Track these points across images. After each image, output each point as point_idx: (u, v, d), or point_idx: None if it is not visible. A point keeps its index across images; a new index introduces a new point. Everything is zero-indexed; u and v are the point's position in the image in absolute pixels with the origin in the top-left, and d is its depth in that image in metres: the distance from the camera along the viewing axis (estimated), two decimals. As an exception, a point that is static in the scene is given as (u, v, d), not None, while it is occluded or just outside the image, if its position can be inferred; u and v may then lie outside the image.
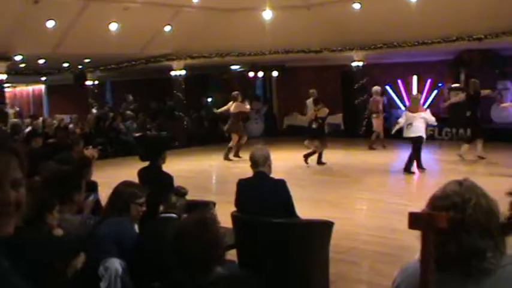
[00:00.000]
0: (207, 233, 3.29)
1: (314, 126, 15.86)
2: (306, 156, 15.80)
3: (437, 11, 17.59)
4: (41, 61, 21.48)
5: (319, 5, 19.20)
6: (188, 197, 6.63)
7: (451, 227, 2.08)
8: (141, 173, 7.43)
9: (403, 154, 17.83)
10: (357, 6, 18.43)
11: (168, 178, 7.00)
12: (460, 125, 19.77)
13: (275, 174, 6.01)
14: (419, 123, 13.63)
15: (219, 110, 19.08)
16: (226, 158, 17.81)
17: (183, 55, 21.66)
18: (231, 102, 18.23)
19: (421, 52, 20.53)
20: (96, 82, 25.76)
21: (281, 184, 5.81)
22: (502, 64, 20.81)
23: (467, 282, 2.16)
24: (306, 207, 9.43)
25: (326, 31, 19.98)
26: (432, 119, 13.90)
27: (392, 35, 19.49)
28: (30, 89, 30.95)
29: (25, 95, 31.41)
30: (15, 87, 30.14)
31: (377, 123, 19.28)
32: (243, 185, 5.96)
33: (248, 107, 19.00)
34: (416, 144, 13.73)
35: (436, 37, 19.01)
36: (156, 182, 6.60)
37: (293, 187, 9.76)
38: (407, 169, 13.99)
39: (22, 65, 22.02)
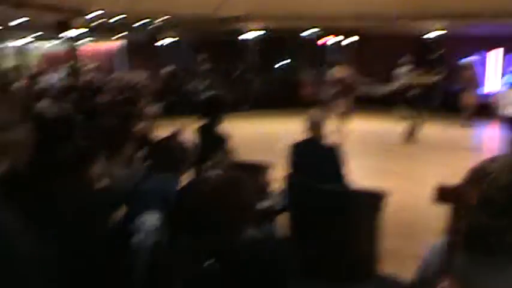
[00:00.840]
0: (238, 191, 3.16)
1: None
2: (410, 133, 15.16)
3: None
4: (117, 18, 21.66)
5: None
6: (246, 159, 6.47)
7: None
8: (198, 131, 7.39)
9: (484, 132, 17.35)
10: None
11: (222, 138, 6.91)
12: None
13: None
14: None
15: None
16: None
17: (256, 17, 21.42)
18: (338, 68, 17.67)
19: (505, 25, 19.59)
20: (172, 40, 25.81)
21: (335, 150, 5.62)
22: None
23: (495, 262, 1.90)
24: (372, 177, 9.29)
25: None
26: None
27: (475, 4, 18.63)
28: (108, 45, 31.34)
29: (103, 52, 31.84)
30: (97, 41, 30.55)
31: (470, 98, 18.34)
32: (296, 149, 5.81)
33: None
34: None
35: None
36: (210, 141, 6.53)
37: (363, 155, 9.54)
38: None
39: (99, 21, 22.29)
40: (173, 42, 26.33)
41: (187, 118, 14.78)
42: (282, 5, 20.34)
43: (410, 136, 14.95)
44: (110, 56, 31.13)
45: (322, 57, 25.75)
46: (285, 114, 20.26)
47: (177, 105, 19.75)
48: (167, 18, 21.92)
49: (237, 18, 21.45)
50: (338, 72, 17.33)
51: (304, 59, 23.80)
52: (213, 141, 6.55)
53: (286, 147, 5.85)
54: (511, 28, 20.23)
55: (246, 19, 21.52)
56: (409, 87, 15.25)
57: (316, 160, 5.52)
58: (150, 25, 23.55)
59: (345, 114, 16.82)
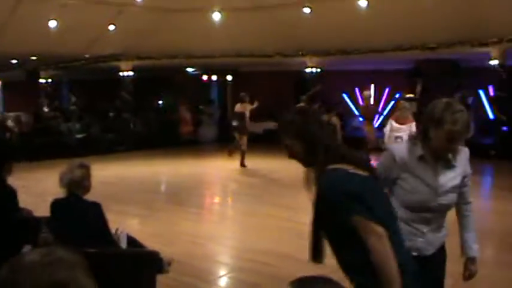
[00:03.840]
0: None
1: None
2: None
3: (389, 18, 16.97)
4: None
5: (269, 7, 18.49)
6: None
7: None
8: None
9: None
10: (307, 10, 17.81)
11: (9, 192, 6.22)
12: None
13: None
14: (406, 134, 11.91)
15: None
16: (243, 164, 16.84)
17: (130, 56, 20.93)
18: (239, 104, 17.36)
19: (379, 60, 19.92)
20: (50, 80, 24.90)
21: (95, 208, 5.06)
22: (460, 75, 20.23)
23: None
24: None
25: (278, 35, 19.26)
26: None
27: (345, 42, 18.83)
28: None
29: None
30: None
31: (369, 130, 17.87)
32: (56, 206, 5.21)
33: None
34: None
35: (388, 45, 18.36)
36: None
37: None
38: None
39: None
40: (53, 81, 25.44)
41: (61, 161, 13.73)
42: (156, 44, 20.01)
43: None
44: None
45: (206, 94, 25.48)
46: (163, 154, 19.65)
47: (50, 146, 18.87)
48: (39, 57, 21.14)
49: (113, 57, 20.92)
50: (239, 108, 17.18)
51: (186, 96, 23.39)
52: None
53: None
54: (388, 63, 20.60)
55: (121, 57, 21.03)
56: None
57: (75, 218, 4.95)
58: (23, 64, 22.71)
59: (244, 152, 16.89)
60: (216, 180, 15.80)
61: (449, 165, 3.60)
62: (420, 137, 3.57)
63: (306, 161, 3.10)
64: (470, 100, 18.64)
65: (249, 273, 6.98)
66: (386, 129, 12.51)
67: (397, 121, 12.20)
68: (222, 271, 7.37)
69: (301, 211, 11.20)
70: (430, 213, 3.59)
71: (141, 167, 16.98)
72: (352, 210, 2.82)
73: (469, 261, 3.73)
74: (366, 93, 18.27)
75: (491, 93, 19.51)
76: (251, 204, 11.50)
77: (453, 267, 3.81)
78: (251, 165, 16.94)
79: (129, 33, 19.20)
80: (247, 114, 17.16)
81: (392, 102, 21.54)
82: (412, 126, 11.69)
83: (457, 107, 3.47)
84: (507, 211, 10.35)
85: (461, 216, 3.79)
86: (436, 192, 3.55)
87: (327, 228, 3.00)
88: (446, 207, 3.65)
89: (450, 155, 3.57)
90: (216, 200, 13.63)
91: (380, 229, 2.81)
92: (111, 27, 18.62)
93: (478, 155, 14.82)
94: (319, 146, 3.01)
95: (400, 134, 11.79)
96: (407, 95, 19.93)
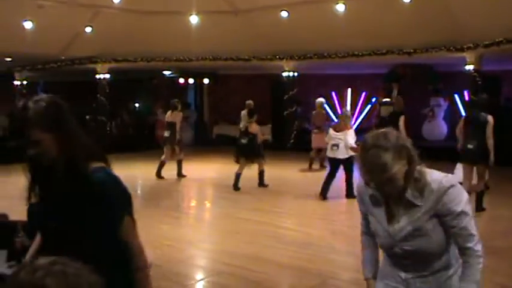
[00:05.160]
0: None
1: (244, 141, 13.62)
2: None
3: (366, 22, 17.10)
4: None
5: (246, 11, 18.56)
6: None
7: None
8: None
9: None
10: (284, 14, 17.85)
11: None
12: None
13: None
14: (343, 142, 11.68)
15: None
16: (159, 175, 15.46)
17: (107, 58, 20.79)
18: (169, 111, 15.88)
19: (356, 65, 20.04)
20: (25, 82, 24.64)
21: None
22: (436, 80, 20.39)
23: None
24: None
25: (255, 39, 19.34)
26: (350, 142, 11.59)
27: (323, 46, 18.89)
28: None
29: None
30: None
31: (320, 138, 16.41)
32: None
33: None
34: (350, 165, 11.86)
35: (366, 49, 18.48)
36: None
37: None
38: (350, 194, 11.85)
39: None
40: (29, 83, 25.16)
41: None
42: (132, 47, 19.91)
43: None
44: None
45: (183, 97, 25.37)
46: (140, 157, 19.53)
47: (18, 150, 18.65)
48: (14, 58, 20.89)
49: (89, 59, 20.75)
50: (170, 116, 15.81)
51: (162, 99, 23.30)
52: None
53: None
54: (365, 68, 20.72)
55: (97, 60, 20.88)
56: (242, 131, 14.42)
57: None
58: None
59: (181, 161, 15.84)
60: (193, 184, 15.67)
61: (409, 205, 2.86)
62: None
63: (59, 157, 2.73)
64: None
65: (227, 277, 6.94)
66: (327, 137, 12.60)
67: (334, 129, 12.17)
68: (200, 275, 7.33)
69: (279, 215, 11.33)
70: (404, 259, 2.97)
71: (117, 170, 16.33)
72: (126, 210, 2.87)
73: None
74: (318, 100, 17.69)
75: (466, 97, 19.69)
76: (229, 208, 11.48)
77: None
78: (229, 170, 16.87)
79: (105, 35, 19.08)
80: (178, 124, 15.70)
81: (368, 107, 21.68)
82: (348, 134, 11.73)
83: (370, 141, 2.74)
84: (488, 215, 10.40)
85: (462, 262, 2.92)
86: (393, 238, 2.92)
87: (82, 224, 2.76)
88: (423, 254, 2.90)
89: (409, 193, 2.83)
90: (194, 203, 13.59)
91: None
92: (88, 29, 18.51)
93: (453, 159, 14.93)
94: (78, 141, 2.79)
95: (335, 142, 11.88)
96: (384, 99, 20.09)
